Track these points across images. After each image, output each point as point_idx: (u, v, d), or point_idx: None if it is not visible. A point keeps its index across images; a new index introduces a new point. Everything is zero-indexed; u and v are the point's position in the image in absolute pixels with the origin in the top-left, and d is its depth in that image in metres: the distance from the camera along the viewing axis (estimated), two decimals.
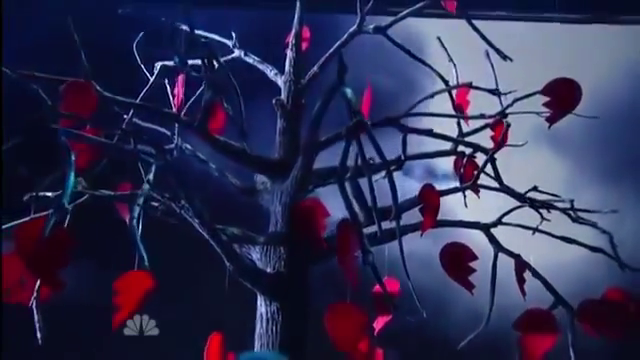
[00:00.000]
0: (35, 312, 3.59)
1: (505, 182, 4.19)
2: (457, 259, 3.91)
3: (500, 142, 4.16)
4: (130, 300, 3.47)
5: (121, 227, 3.82)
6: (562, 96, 3.91)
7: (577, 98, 3.90)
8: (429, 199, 3.82)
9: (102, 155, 3.92)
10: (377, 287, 3.72)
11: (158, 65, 4.55)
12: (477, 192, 4.42)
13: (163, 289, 3.54)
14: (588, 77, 4.21)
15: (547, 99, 3.92)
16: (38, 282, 3.50)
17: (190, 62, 4.03)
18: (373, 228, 3.56)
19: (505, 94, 3.97)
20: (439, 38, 4.59)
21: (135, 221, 3.18)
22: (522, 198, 4.28)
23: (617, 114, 5.93)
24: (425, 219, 3.78)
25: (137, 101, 4.21)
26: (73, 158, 3.04)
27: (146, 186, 3.36)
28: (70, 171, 3.03)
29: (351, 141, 3.47)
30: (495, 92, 4.01)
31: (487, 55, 4.36)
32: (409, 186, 4.37)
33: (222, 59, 4.42)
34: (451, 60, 4.55)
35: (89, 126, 3.78)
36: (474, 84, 4.30)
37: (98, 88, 3.77)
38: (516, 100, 3.96)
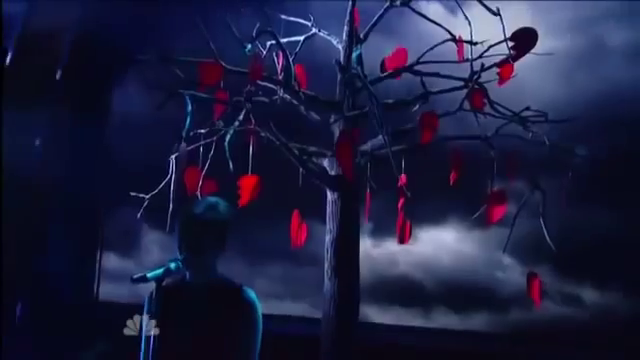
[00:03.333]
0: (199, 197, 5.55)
1: None
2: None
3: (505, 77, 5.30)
4: (246, 190, 5.37)
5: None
6: (523, 41, 4.92)
7: (534, 42, 4.89)
8: (429, 121, 5.13)
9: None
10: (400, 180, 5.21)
11: (267, 44, 6.13)
12: (484, 114, 5.57)
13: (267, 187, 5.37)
14: None
15: (513, 44, 4.97)
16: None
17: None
18: None
19: (480, 43, 5.04)
20: (457, 1, 5.63)
21: (227, 144, 4.98)
22: (513, 116, 5.39)
23: None
24: (424, 135, 5.10)
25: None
26: (190, 109, 4.89)
27: (236, 123, 5.14)
28: (187, 116, 4.89)
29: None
30: (472, 42, 5.10)
31: (498, 12, 5.38)
32: None
33: (304, 36, 5.98)
34: (466, 18, 5.61)
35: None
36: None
37: (223, 64, 5.51)
38: (491, 46, 5.04)
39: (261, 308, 2.81)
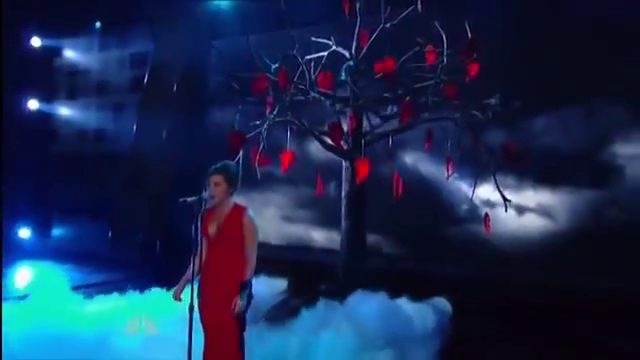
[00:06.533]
0: (257, 171, 7.29)
1: None
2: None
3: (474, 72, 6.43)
4: (285, 160, 7.02)
5: None
6: (471, 46, 6.04)
7: (478, 46, 6.00)
8: (407, 108, 6.43)
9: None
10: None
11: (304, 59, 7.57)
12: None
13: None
14: None
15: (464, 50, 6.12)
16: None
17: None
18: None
19: (448, 49, 6.19)
20: (435, 22, 6.68)
21: (264, 129, 6.61)
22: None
23: None
24: (403, 118, 6.42)
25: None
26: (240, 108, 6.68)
27: (271, 116, 6.76)
28: (237, 114, 6.68)
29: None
30: (439, 51, 6.27)
31: (467, 25, 6.44)
32: None
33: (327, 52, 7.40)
34: (439, 30, 6.64)
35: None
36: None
37: (269, 76, 7.12)
38: (450, 53, 6.20)
39: (258, 223, 4.20)
